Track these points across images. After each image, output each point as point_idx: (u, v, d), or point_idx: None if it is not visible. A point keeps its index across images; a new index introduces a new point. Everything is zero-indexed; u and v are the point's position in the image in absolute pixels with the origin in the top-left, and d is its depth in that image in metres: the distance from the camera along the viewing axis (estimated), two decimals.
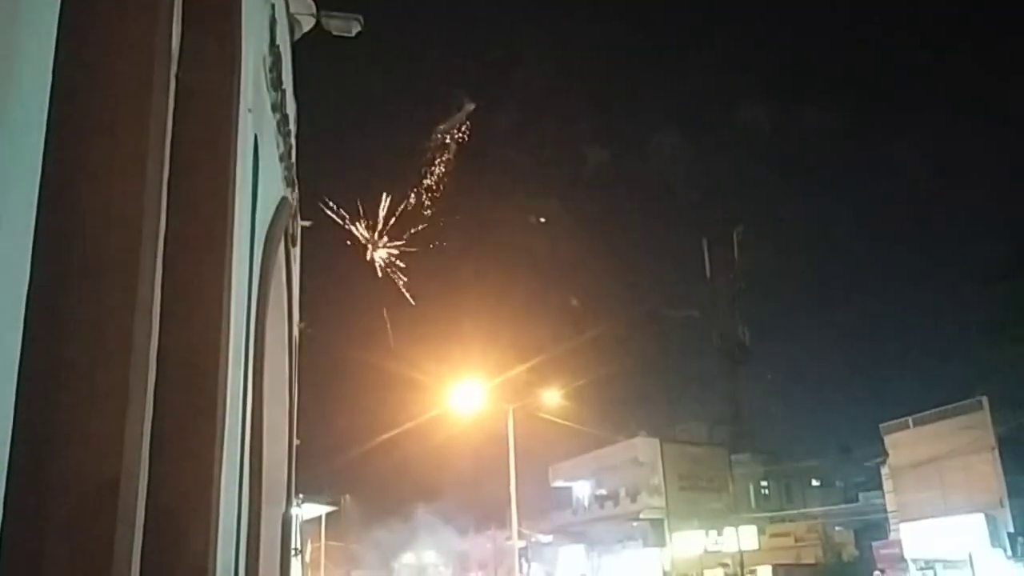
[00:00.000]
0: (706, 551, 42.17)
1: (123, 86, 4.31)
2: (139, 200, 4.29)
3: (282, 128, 8.34)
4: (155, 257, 4.36)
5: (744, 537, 40.06)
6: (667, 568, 42.64)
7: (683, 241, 58.82)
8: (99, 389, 3.68)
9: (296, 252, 10.73)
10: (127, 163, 4.25)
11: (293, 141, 9.50)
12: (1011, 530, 28.37)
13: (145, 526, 3.91)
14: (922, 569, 31.10)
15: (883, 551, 33.41)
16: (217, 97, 5.52)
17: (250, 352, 6.68)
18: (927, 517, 30.64)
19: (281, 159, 8.54)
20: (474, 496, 51.82)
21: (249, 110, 6.11)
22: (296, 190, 9.94)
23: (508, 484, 40.66)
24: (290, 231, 9.73)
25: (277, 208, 8.29)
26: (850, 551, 37.41)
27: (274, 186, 8.11)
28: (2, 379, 2.86)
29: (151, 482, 4.08)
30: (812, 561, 38.07)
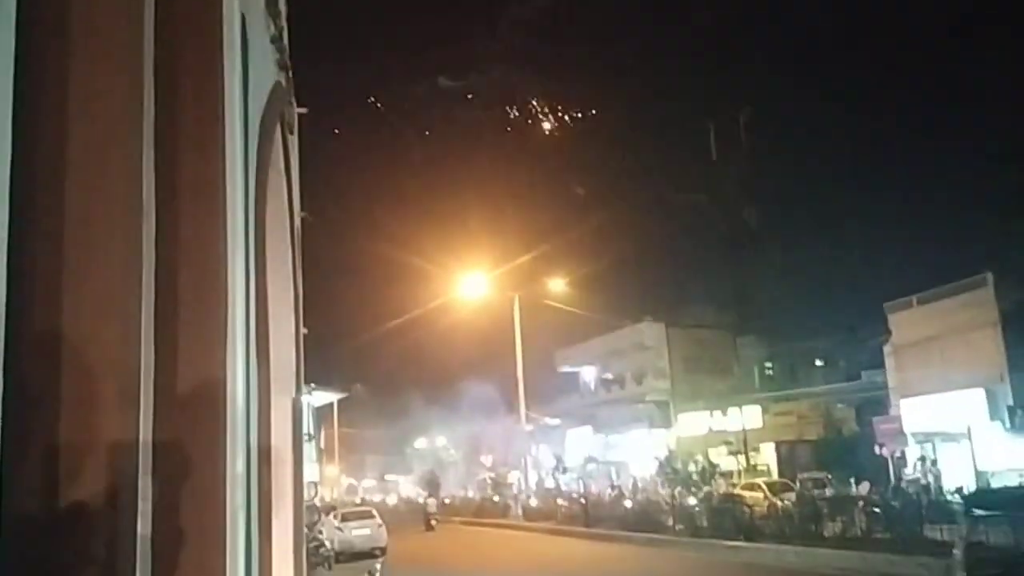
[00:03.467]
0: (710, 431, 43.32)
1: None
2: (123, 86, 4.18)
3: (271, 8, 8.04)
4: (144, 144, 4.28)
5: (747, 416, 41.05)
6: (672, 447, 43.88)
7: (690, 124, 57.75)
8: (97, 274, 3.68)
9: (294, 140, 10.54)
10: (107, 47, 4.12)
11: (284, 23, 9.18)
12: (1011, 403, 28.93)
13: (155, 409, 3.97)
14: (921, 442, 31.90)
15: (883, 426, 34.22)
16: None
17: (250, 240, 6.65)
18: (928, 393, 31.24)
19: (272, 41, 8.27)
20: (483, 382, 52.97)
21: None
22: (290, 75, 9.67)
23: (516, 370, 41.52)
24: (286, 118, 9.53)
25: (271, 93, 8.08)
26: (851, 427, 38.36)
27: (266, 70, 7.89)
28: None
29: (157, 365, 4.13)
30: (813, 437, 39.10)
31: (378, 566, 14.85)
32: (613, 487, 40.79)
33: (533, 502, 40.07)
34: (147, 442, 3.76)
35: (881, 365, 36.16)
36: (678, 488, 32.17)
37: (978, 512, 12.60)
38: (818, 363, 48.36)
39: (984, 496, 13.52)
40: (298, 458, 10.03)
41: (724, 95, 54.96)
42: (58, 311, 3.56)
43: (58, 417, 3.31)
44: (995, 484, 26.06)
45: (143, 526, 3.64)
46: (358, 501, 43.84)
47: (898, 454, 32.51)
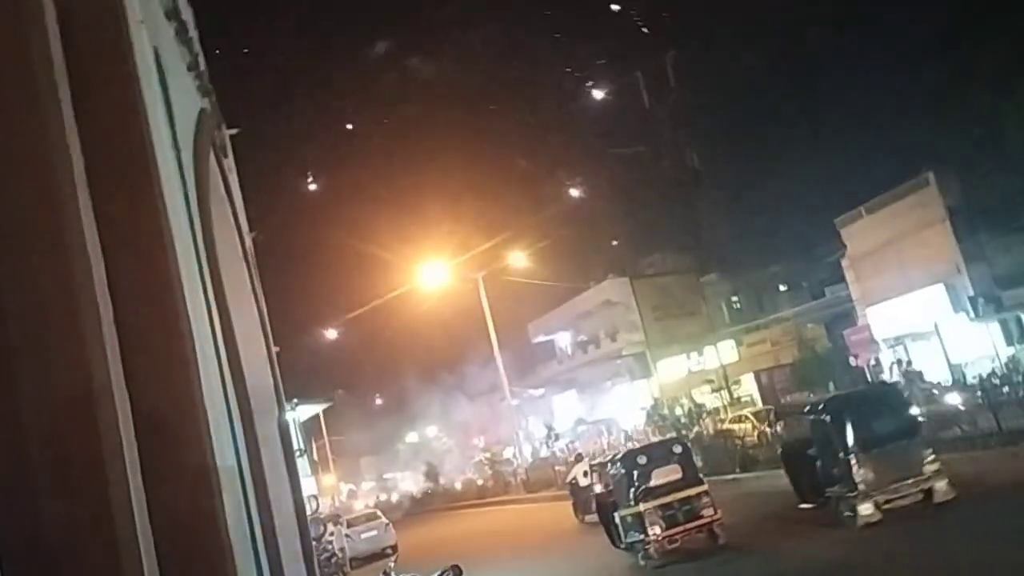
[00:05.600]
0: (690, 372, 43.91)
1: None
2: (46, 142, 4.13)
3: (182, 36, 7.97)
4: (79, 196, 4.24)
5: (723, 352, 41.65)
6: (656, 395, 44.43)
7: (617, 76, 57.72)
8: (57, 335, 3.67)
9: (230, 162, 10.49)
10: (22, 110, 4.07)
11: (199, 48, 9.10)
12: (971, 294, 29.67)
13: (138, 437, 3.98)
14: (892, 346, 32.69)
15: (853, 337, 34.98)
16: (102, 14, 5.25)
17: (204, 268, 6.65)
18: (890, 298, 31.94)
19: (189, 68, 8.21)
20: (463, 366, 53.13)
21: (141, 22, 5.83)
22: (213, 98, 9.60)
23: (492, 349, 41.67)
24: (217, 142, 9.47)
25: (197, 121, 8.04)
26: (823, 344, 39.11)
27: (188, 98, 7.83)
28: None
29: (132, 398, 4.11)
30: (789, 360, 39.81)
31: (392, 563, 15.00)
32: (605, 443, 41.23)
33: (531, 474, 40.41)
34: (138, 487, 3.79)
35: (842, 279, 36.88)
36: (668, 433, 32.62)
37: None
38: (782, 288, 49.13)
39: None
40: (294, 475, 10.09)
41: (647, 40, 55.02)
42: (21, 377, 3.55)
43: (37, 496, 3.29)
44: (970, 373, 26.83)
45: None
46: (370, 505, 43.80)
47: (873, 361, 33.27)
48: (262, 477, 6.96)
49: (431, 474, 56.45)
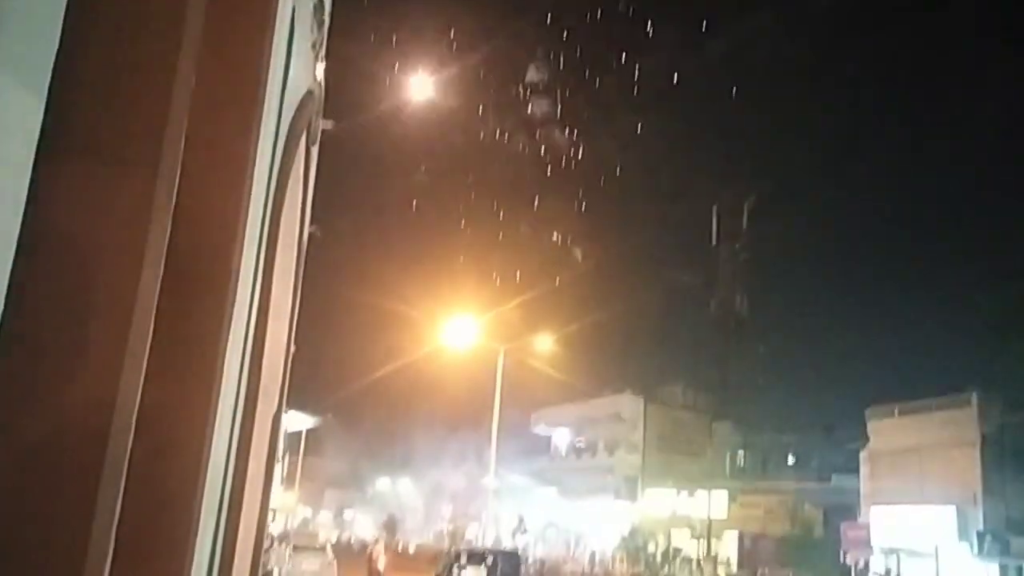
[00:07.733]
0: (675, 511, 42.67)
1: None
2: (173, 54, 3.99)
3: (318, 14, 7.91)
4: (183, 124, 4.08)
5: (715, 502, 40.46)
6: (635, 522, 43.14)
7: (695, 205, 58.11)
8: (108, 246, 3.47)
9: (315, 151, 10.34)
10: (151, 21, 3.95)
11: (325, 34, 9.05)
12: (980, 528, 28.54)
13: (146, 388, 3.71)
14: (886, 554, 31.45)
15: (850, 532, 33.74)
16: None
17: (263, 243, 6.39)
18: (899, 503, 30.87)
19: (313, 46, 8.12)
20: (455, 431, 52.28)
21: None
22: (322, 85, 9.52)
23: (490, 423, 40.87)
24: (311, 127, 9.34)
25: (302, 99, 7.90)
26: (818, 528, 37.82)
27: (302, 73, 7.71)
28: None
29: (152, 355, 3.85)
30: (778, 533, 38.52)
31: None
32: (570, 556, 39.93)
33: None
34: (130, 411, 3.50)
35: (855, 471, 35.78)
36: (638, 568, 31.50)
37: None
38: (791, 459, 47.97)
39: None
40: (268, 479, 9.61)
41: (730, 185, 55.48)
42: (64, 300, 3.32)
43: (42, 417, 3.06)
44: None
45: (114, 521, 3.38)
46: (321, 538, 42.56)
47: (862, 564, 32.02)
48: (245, 470, 6.58)
49: (390, 525, 55.08)
